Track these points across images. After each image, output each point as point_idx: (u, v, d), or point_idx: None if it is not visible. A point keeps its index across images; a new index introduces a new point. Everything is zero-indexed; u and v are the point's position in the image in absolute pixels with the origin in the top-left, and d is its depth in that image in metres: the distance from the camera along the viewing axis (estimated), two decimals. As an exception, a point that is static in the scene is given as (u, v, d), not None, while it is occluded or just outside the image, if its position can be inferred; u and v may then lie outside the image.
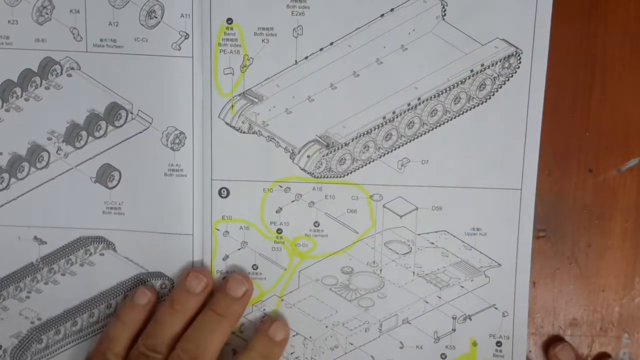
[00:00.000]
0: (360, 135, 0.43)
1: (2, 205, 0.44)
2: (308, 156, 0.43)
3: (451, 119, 0.42)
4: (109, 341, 0.43)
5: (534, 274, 0.44)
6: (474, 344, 0.44)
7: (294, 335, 0.45)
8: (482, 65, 0.42)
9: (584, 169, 0.44)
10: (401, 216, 0.43)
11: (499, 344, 0.44)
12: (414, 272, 0.44)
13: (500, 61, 0.42)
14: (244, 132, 0.43)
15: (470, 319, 0.44)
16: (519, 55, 0.42)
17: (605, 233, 0.44)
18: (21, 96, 0.43)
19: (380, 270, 0.44)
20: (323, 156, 0.43)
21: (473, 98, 0.42)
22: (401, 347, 0.44)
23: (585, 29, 0.43)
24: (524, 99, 0.42)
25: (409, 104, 0.42)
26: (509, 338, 0.44)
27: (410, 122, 0.42)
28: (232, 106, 0.43)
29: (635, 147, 0.44)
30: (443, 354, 0.44)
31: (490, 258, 0.43)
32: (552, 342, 0.45)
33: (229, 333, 0.43)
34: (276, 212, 0.44)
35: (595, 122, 0.43)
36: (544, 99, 0.42)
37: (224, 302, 0.43)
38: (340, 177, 0.43)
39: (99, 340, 0.44)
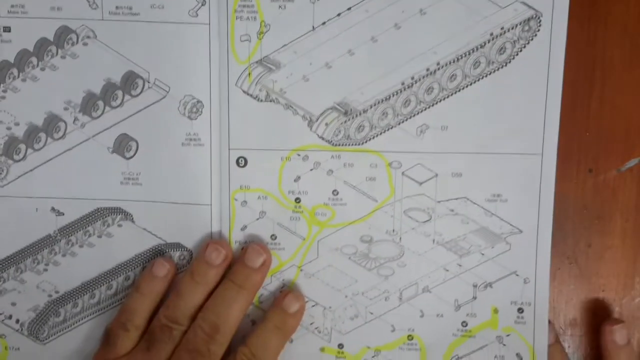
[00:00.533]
0: (378, 102, 0.42)
1: (19, 177, 0.44)
2: (326, 124, 0.43)
3: (471, 84, 0.42)
4: (129, 313, 0.43)
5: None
6: (495, 311, 0.44)
7: (313, 306, 0.44)
8: (502, 28, 0.41)
9: (584, 169, 0.44)
10: (420, 183, 0.43)
11: (520, 310, 0.43)
12: (433, 240, 0.44)
13: (520, 24, 0.41)
14: (261, 100, 0.43)
15: (491, 287, 0.44)
16: (538, 18, 0.41)
17: (605, 233, 0.44)
18: (37, 66, 0.43)
19: (400, 238, 0.44)
20: (341, 123, 0.43)
21: (493, 62, 0.42)
22: (421, 316, 0.44)
23: (585, 29, 0.43)
24: (544, 63, 0.41)
25: (427, 69, 0.42)
26: (530, 304, 0.43)
27: (429, 88, 0.42)
28: (249, 74, 0.42)
29: (635, 147, 0.44)
30: (464, 322, 0.44)
31: (511, 224, 0.43)
32: (606, 316, 0.45)
33: (249, 303, 0.43)
34: (294, 181, 0.43)
35: (595, 122, 0.44)
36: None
37: (242, 273, 0.43)
38: (359, 144, 0.43)
39: (118, 312, 0.43)
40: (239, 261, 0.43)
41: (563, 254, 0.45)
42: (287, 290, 0.44)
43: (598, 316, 0.45)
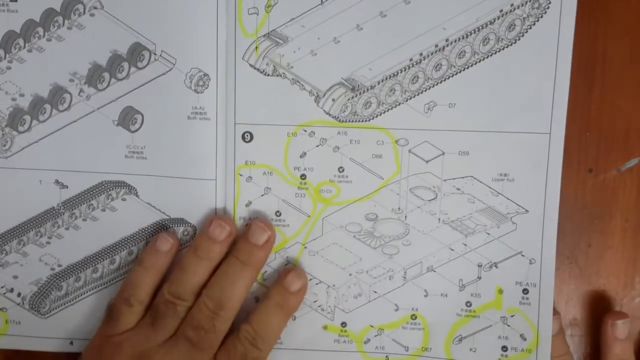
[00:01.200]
0: (386, 78, 0.42)
1: (23, 148, 0.44)
2: (333, 99, 0.42)
3: (479, 61, 0.42)
4: (132, 287, 0.42)
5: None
6: (500, 291, 0.43)
7: (317, 284, 0.44)
8: (512, 5, 0.41)
9: (584, 169, 0.44)
10: (427, 161, 0.43)
11: (525, 291, 0.43)
12: (439, 219, 0.43)
13: (529, 1, 0.41)
14: (268, 75, 0.42)
15: (497, 267, 0.43)
16: (549, -4, 0.41)
17: (605, 233, 0.44)
18: (43, 36, 0.42)
19: (405, 217, 0.43)
20: (348, 99, 0.42)
21: (502, 39, 0.41)
22: (426, 295, 0.44)
23: (585, 28, 0.42)
24: (554, 40, 0.41)
25: (436, 46, 0.42)
26: (535, 285, 0.43)
27: (438, 65, 0.42)
28: (257, 47, 0.42)
29: (635, 147, 0.44)
30: (468, 302, 0.43)
31: (517, 204, 0.43)
32: (609, 310, 0.45)
33: (253, 280, 0.43)
34: (300, 157, 0.43)
35: (595, 122, 0.43)
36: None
37: (246, 250, 0.42)
38: (366, 121, 0.43)
39: (121, 287, 0.43)
40: (243, 238, 0.43)
41: (563, 254, 0.44)
42: (290, 268, 0.44)
43: (598, 316, 0.45)
